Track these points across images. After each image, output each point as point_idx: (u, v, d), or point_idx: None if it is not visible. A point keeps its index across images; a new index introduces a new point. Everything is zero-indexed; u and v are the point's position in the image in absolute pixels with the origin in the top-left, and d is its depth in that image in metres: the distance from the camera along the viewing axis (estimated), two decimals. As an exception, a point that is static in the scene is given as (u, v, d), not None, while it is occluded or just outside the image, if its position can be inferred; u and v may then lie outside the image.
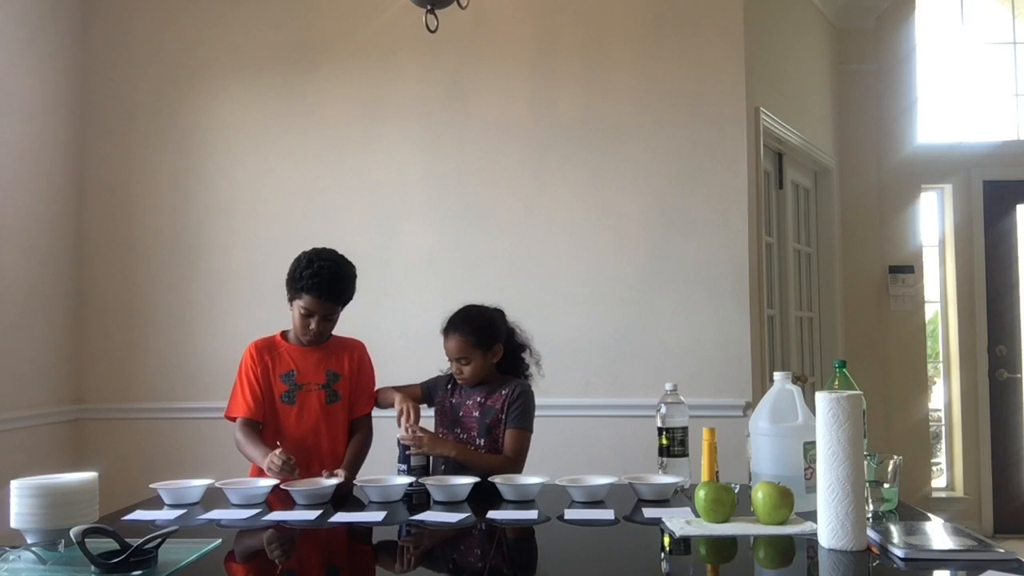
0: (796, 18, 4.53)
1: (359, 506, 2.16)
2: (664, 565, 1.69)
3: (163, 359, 3.86)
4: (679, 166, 3.62)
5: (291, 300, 2.58)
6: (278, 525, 1.95)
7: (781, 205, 4.35)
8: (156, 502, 2.18)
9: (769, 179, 4.19)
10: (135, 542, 1.51)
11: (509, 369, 2.61)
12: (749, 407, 3.42)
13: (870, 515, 1.77)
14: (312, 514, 2.02)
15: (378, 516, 2.01)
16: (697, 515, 1.83)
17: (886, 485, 1.92)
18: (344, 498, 2.23)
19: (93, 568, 1.47)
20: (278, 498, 2.19)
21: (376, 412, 2.69)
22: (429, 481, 2.22)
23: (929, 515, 1.93)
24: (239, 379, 2.61)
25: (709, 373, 3.50)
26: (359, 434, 2.65)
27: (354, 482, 2.34)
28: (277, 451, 2.34)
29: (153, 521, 1.97)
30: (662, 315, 3.58)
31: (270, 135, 3.87)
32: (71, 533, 1.50)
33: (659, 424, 2.24)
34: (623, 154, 3.66)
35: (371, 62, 3.82)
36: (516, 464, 2.46)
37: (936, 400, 5.44)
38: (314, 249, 2.60)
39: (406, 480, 2.25)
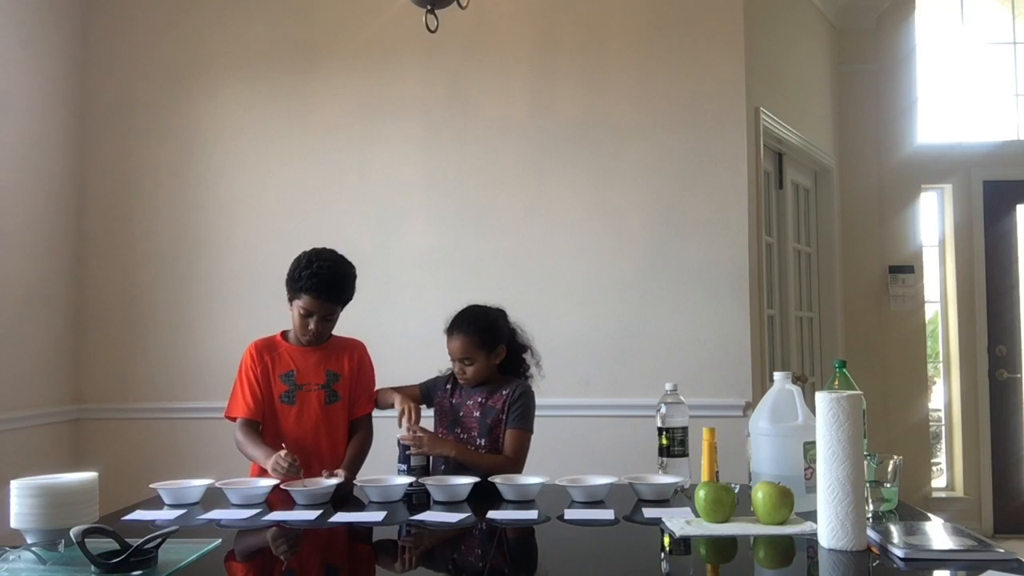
0: (796, 18, 4.53)
1: (359, 506, 2.16)
2: (664, 565, 1.69)
3: (163, 359, 3.86)
4: (679, 166, 3.62)
5: (291, 300, 2.58)
6: (278, 525, 1.95)
7: (781, 205, 4.35)
8: (156, 502, 2.18)
9: (769, 179, 4.19)
10: (135, 542, 1.51)
11: (510, 369, 2.61)
12: (749, 407, 3.42)
13: (870, 515, 1.77)
14: (312, 514, 2.02)
15: (378, 516, 2.01)
16: (697, 515, 1.83)
17: (886, 485, 1.92)
18: (344, 498, 2.23)
19: (93, 568, 1.47)
20: (278, 498, 2.19)
21: (376, 412, 2.69)
22: (429, 481, 2.22)
23: (929, 515, 1.93)
24: (239, 379, 2.61)
25: (709, 373, 3.50)
26: (359, 434, 2.65)
27: (354, 482, 2.34)
28: (283, 452, 2.34)
29: (153, 521, 1.97)
30: (662, 315, 3.58)
31: (270, 135, 3.87)
32: (71, 533, 1.50)
33: (659, 424, 2.24)
34: (623, 154, 3.66)
35: (371, 62, 3.82)
36: (516, 464, 2.46)
37: (936, 400, 5.44)
38: (314, 249, 2.60)
39: (406, 480, 2.25)
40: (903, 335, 5.05)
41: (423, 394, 2.64)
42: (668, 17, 3.67)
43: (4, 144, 3.51)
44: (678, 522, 1.80)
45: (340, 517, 2.00)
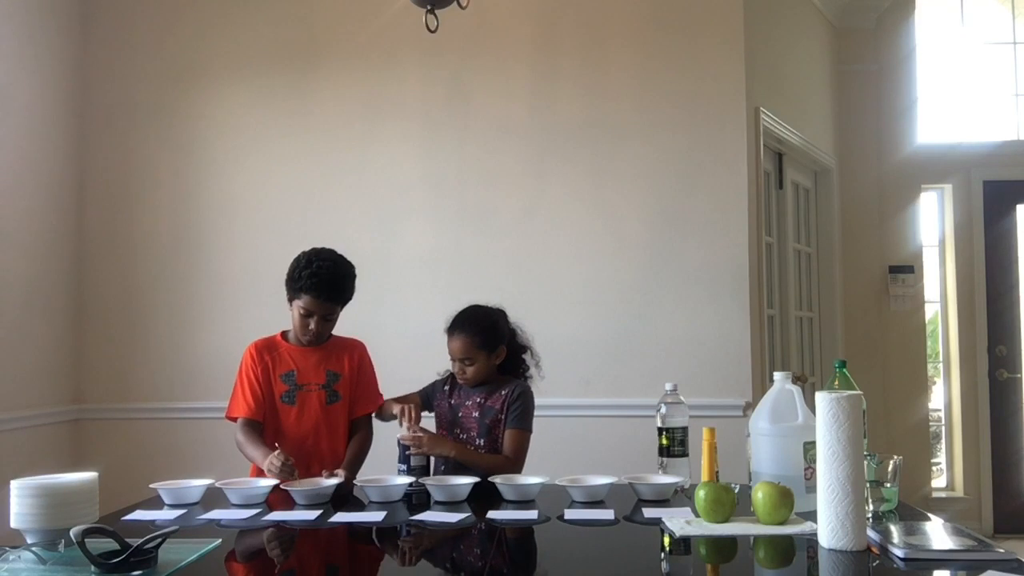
0: (796, 18, 4.53)
1: (359, 506, 2.16)
2: (664, 565, 1.69)
3: (163, 359, 3.86)
4: (679, 166, 3.62)
5: (291, 300, 2.58)
6: (278, 525, 1.95)
7: (781, 205, 4.35)
8: (156, 502, 2.18)
9: (769, 179, 4.19)
10: (135, 542, 1.51)
11: (509, 370, 2.61)
12: (749, 407, 3.42)
13: (870, 515, 1.77)
14: (312, 514, 2.02)
15: (378, 516, 2.01)
16: (697, 515, 1.83)
17: (886, 485, 1.92)
18: (344, 498, 2.23)
19: (93, 568, 1.47)
20: (278, 498, 2.19)
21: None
22: (429, 481, 2.22)
23: (929, 515, 1.93)
24: (239, 379, 2.61)
25: (709, 373, 3.50)
26: (359, 434, 2.65)
27: (354, 482, 2.34)
28: (276, 452, 2.34)
29: (153, 521, 1.97)
30: (662, 315, 3.58)
31: (270, 135, 3.87)
32: (71, 533, 1.50)
33: (659, 424, 2.24)
34: (623, 154, 3.66)
35: (371, 62, 3.82)
36: (516, 464, 2.46)
37: (936, 400, 5.44)
38: (313, 249, 2.60)
39: (406, 480, 2.25)
40: (903, 335, 5.05)
41: (423, 400, 2.63)
42: (668, 17, 3.67)
43: (4, 144, 3.51)
44: (678, 522, 1.80)
45: (340, 517, 2.00)
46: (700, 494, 1.81)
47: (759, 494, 1.77)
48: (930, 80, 5.29)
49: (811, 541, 1.65)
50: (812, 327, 4.76)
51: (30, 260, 3.65)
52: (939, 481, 5.29)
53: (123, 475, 3.01)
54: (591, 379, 3.59)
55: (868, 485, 1.73)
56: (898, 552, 1.51)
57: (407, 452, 2.34)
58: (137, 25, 3.98)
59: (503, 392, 2.53)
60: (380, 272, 3.62)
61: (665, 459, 2.23)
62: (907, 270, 5.05)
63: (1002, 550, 1.50)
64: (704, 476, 2.08)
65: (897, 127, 5.14)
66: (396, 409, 2.49)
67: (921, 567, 1.50)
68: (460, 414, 2.55)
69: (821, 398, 1.58)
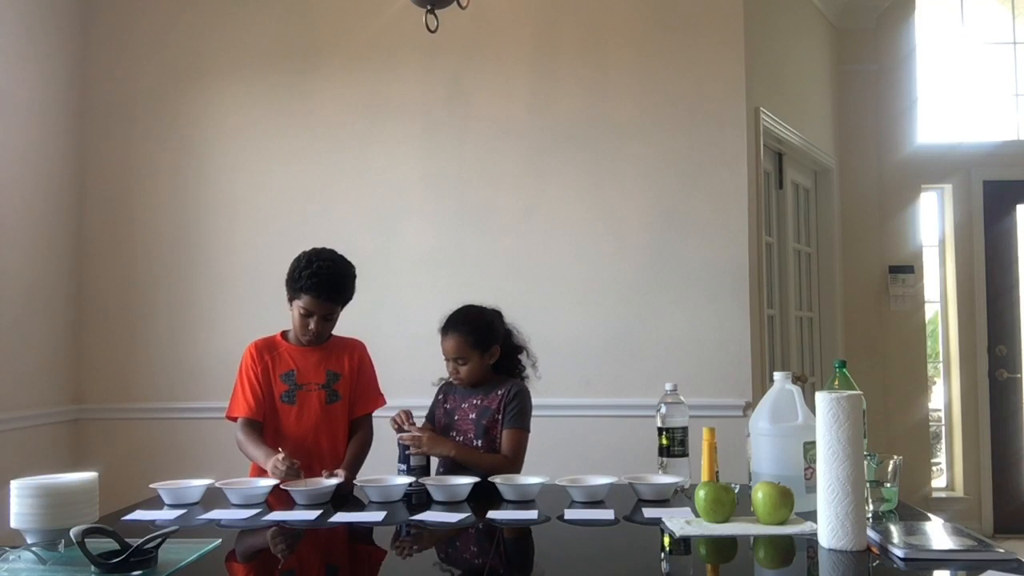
0: (796, 18, 4.53)
1: (359, 506, 2.16)
2: (664, 565, 1.69)
3: (163, 359, 3.86)
4: (679, 166, 3.62)
5: (291, 300, 2.58)
6: (278, 525, 1.95)
7: (781, 205, 4.35)
8: (156, 502, 2.18)
9: (769, 179, 4.19)
10: (135, 542, 1.51)
11: (505, 370, 2.60)
12: (749, 407, 3.42)
13: (870, 515, 1.77)
14: (312, 514, 2.02)
15: (378, 516, 2.01)
16: (697, 515, 1.83)
17: (886, 485, 1.92)
18: (344, 498, 2.23)
19: (93, 568, 1.47)
20: (278, 498, 2.19)
21: (376, 412, 2.69)
22: (429, 481, 2.22)
23: (929, 515, 1.93)
24: (239, 379, 2.61)
25: (709, 373, 3.50)
26: (359, 434, 2.65)
27: (354, 482, 2.34)
28: (280, 455, 2.34)
29: (153, 521, 1.97)
30: (662, 315, 3.58)
31: (270, 135, 3.87)
32: (71, 533, 1.50)
33: (659, 424, 2.24)
34: (623, 154, 3.66)
35: (371, 62, 3.82)
36: (515, 464, 2.46)
37: (936, 400, 5.44)
38: (313, 249, 2.60)
39: (406, 480, 2.25)
40: (903, 335, 5.05)
41: (429, 421, 2.62)
42: (668, 17, 3.67)
43: (4, 144, 3.51)
44: (678, 522, 1.80)
45: (340, 517, 2.00)
46: (700, 494, 1.81)
47: (759, 494, 1.77)
48: (930, 80, 5.29)
49: (811, 541, 1.65)
50: (812, 327, 4.76)
51: (30, 260, 3.65)
52: (939, 481, 5.29)
53: (123, 475, 3.01)
54: (591, 379, 3.60)
55: (868, 485, 1.73)
56: (898, 552, 1.51)
57: (407, 452, 2.34)
58: (137, 25, 3.98)
59: (499, 392, 2.52)
60: (380, 272, 3.62)
61: (665, 459, 2.23)
62: (907, 270, 5.05)
63: (1002, 550, 1.50)
64: (704, 476, 2.08)
65: (897, 127, 5.14)
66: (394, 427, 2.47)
67: (921, 567, 1.50)
68: (456, 417, 2.55)
69: (821, 398, 1.58)
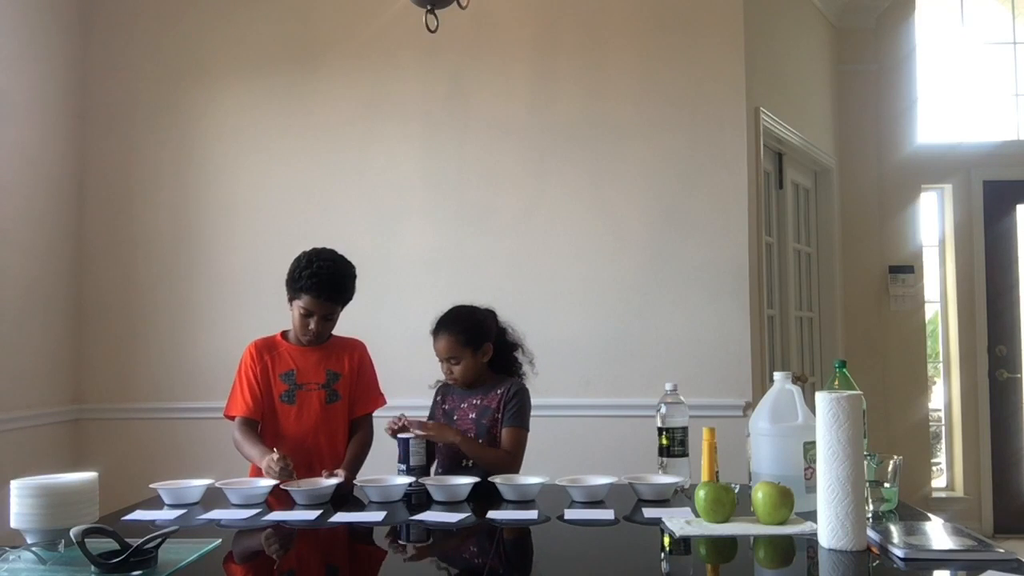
0: (796, 18, 4.53)
1: (359, 506, 2.16)
2: (664, 565, 1.69)
3: (163, 359, 3.86)
4: (679, 166, 3.62)
5: (291, 300, 2.58)
6: (278, 525, 1.95)
7: (781, 205, 4.35)
8: (156, 502, 2.18)
9: (769, 179, 4.19)
10: (135, 542, 1.51)
11: (502, 369, 2.60)
12: (749, 407, 3.42)
13: (870, 515, 1.77)
14: (312, 514, 2.02)
15: (378, 516, 2.01)
16: (697, 515, 1.83)
17: (886, 485, 1.92)
18: (344, 498, 2.23)
19: (93, 568, 1.47)
20: (278, 498, 2.19)
21: (376, 412, 2.69)
22: (429, 481, 2.22)
23: (929, 515, 1.93)
24: (238, 378, 2.61)
25: (709, 373, 3.50)
26: (359, 434, 2.65)
27: (354, 482, 2.34)
28: (275, 455, 2.34)
29: (153, 521, 1.97)
30: (662, 315, 3.58)
31: (270, 135, 3.87)
32: (71, 533, 1.50)
33: (659, 424, 2.24)
34: (623, 154, 3.66)
35: (371, 62, 3.82)
36: (514, 460, 2.46)
37: (936, 400, 5.44)
38: (314, 249, 2.60)
39: (406, 480, 2.25)
40: (903, 335, 5.05)
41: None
42: (668, 17, 3.67)
43: (4, 144, 3.51)
44: (678, 522, 1.80)
45: (340, 517, 2.00)
46: (700, 494, 1.81)
47: (759, 494, 1.77)
48: (930, 80, 5.29)
49: (811, 541, 1.65)
50: (812, 327, 4.76)
51: (30, 260, 3.65)
52: (939, 481, 5.29)
53: (123, 475, 3.01)
54: (591, 379, 3.60)
55: (868, 485, 1.73)
56: (898, 552, 1.51)
57: (409, 447, 2.33)
58: (137, 25, 3.98)
59: (499, 391, 2.53)
60: (380, 272, 3.62)
61: (665, 459, 2.23)
62: (907, 270, 5.05)
63: (1002, 550, 1.50)
64: (704, 476, 2.08)
65: (897, 127, 5.14)
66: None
67: (921, 567, 1.50)
68: (456, 417, 2.55)
69: (821, 398, 1.58)
